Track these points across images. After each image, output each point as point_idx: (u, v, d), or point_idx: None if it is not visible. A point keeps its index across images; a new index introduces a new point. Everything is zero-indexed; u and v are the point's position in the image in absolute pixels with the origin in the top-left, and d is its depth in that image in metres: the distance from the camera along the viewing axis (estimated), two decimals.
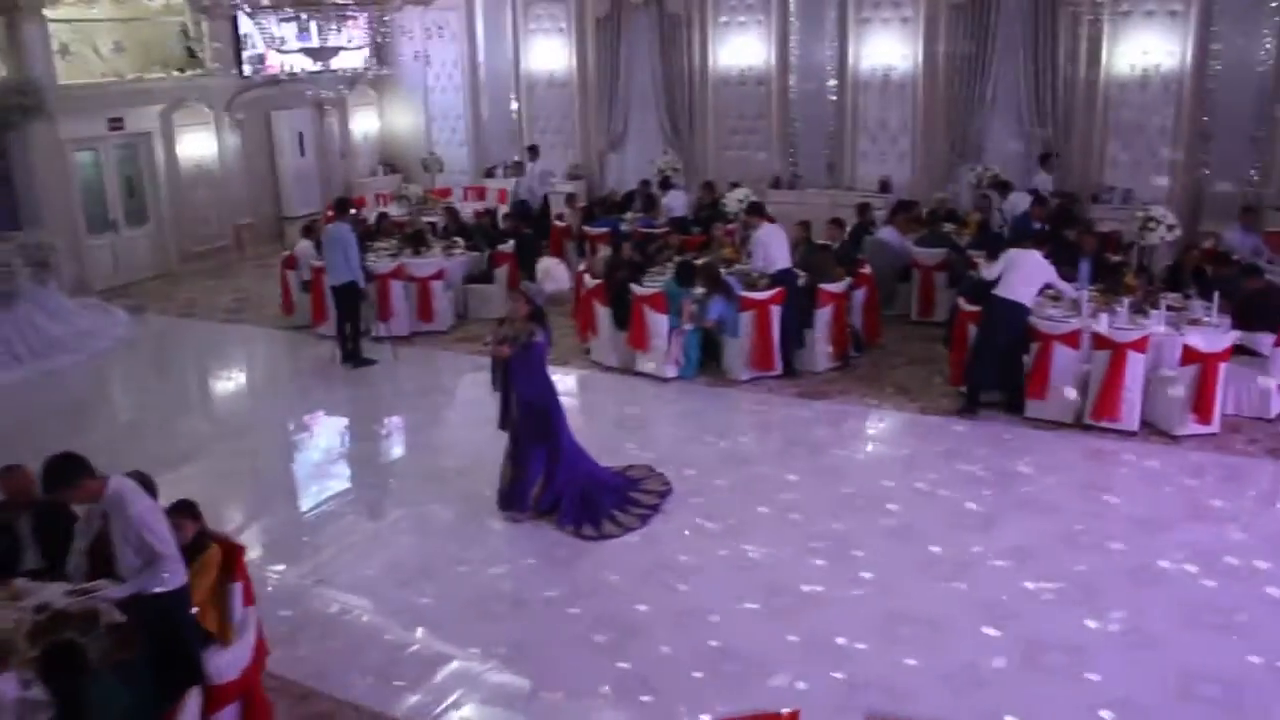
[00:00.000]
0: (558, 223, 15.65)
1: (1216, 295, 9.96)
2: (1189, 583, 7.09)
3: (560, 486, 8.21)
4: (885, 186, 16.11)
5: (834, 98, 16.58)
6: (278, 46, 10.58)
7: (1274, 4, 13.86)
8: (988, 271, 10.29)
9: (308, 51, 10.47)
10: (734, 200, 12.23)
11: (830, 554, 7.59)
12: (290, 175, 19.32)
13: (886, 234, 13.17)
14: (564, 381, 11.66)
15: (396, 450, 10.32)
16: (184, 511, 5.79)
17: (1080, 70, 14.92)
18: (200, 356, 13.61)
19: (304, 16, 9.68)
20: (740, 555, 7.64)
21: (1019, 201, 13.70)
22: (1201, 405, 9.19)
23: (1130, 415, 9.38)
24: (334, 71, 18.88)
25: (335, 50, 10.41)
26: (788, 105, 17.05)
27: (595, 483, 8.38)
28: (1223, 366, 9.20)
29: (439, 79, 20.20)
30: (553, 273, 8.36)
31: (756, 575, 7.36)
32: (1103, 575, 7.19)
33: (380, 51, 20.47)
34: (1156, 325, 9.58)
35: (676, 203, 15.06)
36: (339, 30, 9.77)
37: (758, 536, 7.90)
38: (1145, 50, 14.36)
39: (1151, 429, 9.49)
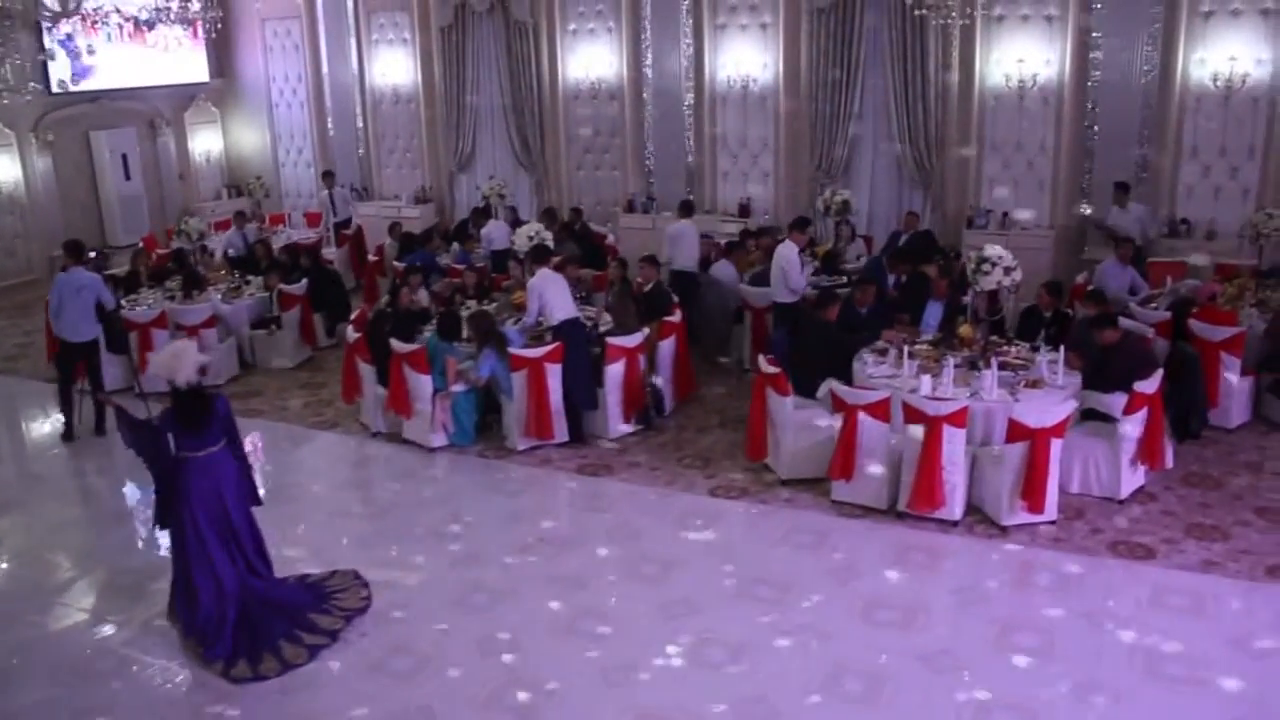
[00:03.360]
0: (372, 257, 13.87)
1: (1063, 349, 8.37)
2: None
3: (210, 606, 6.43)
4: (745, 210, 14.44)
5: (690, 110, 14.92)
6: None
7: (1154, 9, 12.28)
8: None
9: None
10: (523, 238, 10.49)
11: (525, 710, 5.87)
12: (115, 201, 17.52)
13: (720, 269, 11.48)
14: (321, 450, 9.99)
15: (100, 541, 8.38)
16: None
17: (954, 80, 13.31)
18: None
19: None
20: (417, 706, 5.92)
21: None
22: (1031, 491, 7.48)
23: (952, 501, 7.69)
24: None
25: None
26: (642, 121, 15.38)
27: (266, 602, 6.62)
28: (1056, 443, 7.49)
29: (283, 94, 18.50)
30: (162, 358, 6.37)
31: None
32: None
33: (221, 65, 18.88)
34: (986, 390, 7.96)
35: (498, 234, 12.94)
36: None
37: (450, 678, 6.16)
38: (1021, 58, 12.77)
39: (978, 515, 7.83)
